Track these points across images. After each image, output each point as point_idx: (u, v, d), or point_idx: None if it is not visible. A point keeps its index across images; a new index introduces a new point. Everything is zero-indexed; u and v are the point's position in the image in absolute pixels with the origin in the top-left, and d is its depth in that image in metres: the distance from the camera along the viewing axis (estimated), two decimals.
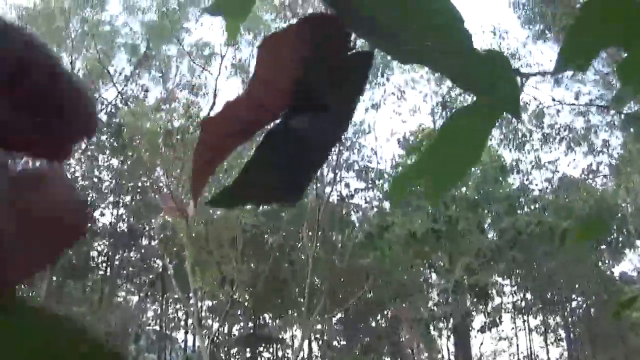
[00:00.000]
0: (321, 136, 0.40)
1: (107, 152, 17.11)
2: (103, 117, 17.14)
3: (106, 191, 17.12)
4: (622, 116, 16.07)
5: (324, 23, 0.39)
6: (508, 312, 16.52)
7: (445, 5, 0.40)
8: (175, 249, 16.38)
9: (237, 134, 0.41)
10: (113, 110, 17.07)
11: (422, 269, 15.62)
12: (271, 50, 0.39)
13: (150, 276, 17.11)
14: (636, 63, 0.74)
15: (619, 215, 16.10)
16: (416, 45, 0.42)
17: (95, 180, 16.88)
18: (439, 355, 16.56)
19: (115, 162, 17.21)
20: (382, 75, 14.65)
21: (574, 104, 16.36)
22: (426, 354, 15.58)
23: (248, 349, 18.11)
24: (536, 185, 16.37)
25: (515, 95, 0.48)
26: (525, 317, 17.04)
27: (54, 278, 17.00)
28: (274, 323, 18.61)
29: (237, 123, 0.40)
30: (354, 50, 0.39)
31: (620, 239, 16.41)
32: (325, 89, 0.39)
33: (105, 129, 17.23)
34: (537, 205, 15.73)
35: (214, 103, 17.96)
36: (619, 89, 0.88)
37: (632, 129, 16.03)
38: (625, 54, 0.76)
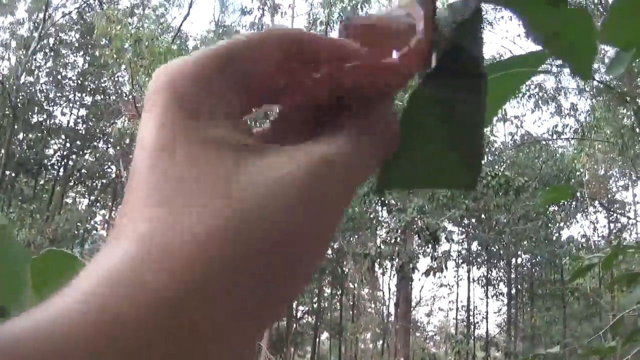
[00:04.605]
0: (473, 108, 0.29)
1: (74, 50, 16.75)
2: (74, 14, 16.72)
3: (68, 89, 16.79)
4: (595, 83, 16.09)
5: None
6: (452, 259, 16.69)
7: None
8: (131, 157, 16.20)
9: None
10: (86, 8, 16.66)
11: (374, 204, 15.62)
12: None
13: (103, 181, 16.92)
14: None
15: (575, 180, 16.24)
16: None
17: (59, 77, 16.53)
18: (380, 293, 16.77)
19: (80, 60, 16.86)
20: None
21: (548, 63, 16.29)
22: (368, 290, 15.74)
23: None
24: (498, 137, 16.38)
25: (590, 60, 0.45)
26: (469, 267, 17.25)
27: (7, 172, 16.74)
28: None
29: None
30: None
31: (574, 203, 16.57)
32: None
33: (75, 26, 16.83)
34: (496, 158, 15.79)
35: (187, 14, 17.65)
36: (618, 52, 0.78)
37: (601, 97, 16.09)
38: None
